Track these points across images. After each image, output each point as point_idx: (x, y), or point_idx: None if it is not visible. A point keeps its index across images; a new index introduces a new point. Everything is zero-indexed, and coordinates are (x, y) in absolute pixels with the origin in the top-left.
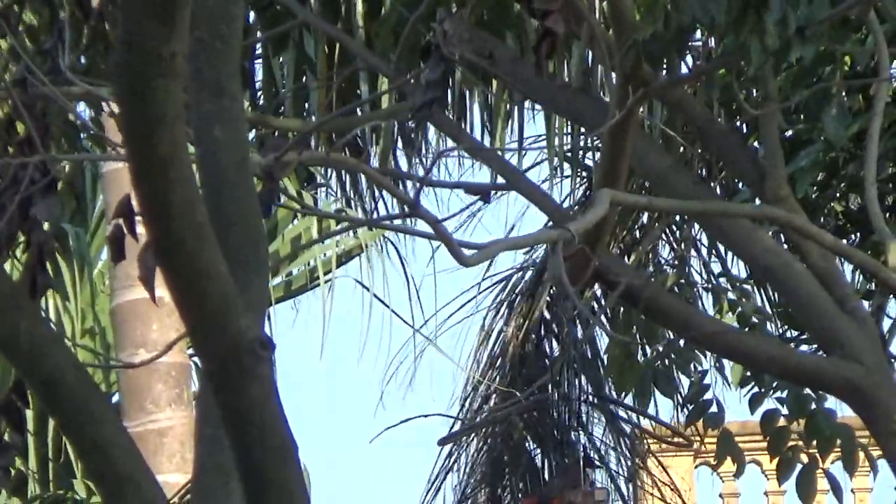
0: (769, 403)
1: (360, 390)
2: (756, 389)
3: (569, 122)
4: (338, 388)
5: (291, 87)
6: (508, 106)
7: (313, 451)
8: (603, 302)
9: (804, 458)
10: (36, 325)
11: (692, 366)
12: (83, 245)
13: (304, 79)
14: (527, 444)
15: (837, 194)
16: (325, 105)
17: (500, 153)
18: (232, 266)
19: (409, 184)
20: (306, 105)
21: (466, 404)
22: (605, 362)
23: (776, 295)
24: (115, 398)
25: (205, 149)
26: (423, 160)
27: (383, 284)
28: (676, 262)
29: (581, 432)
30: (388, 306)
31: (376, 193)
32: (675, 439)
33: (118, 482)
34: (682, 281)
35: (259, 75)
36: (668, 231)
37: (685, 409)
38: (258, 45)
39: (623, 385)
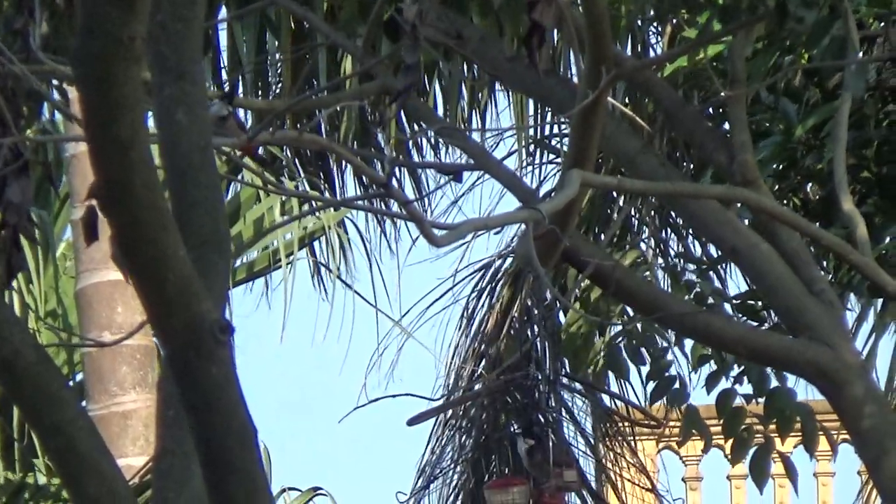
0: (726, 384)
1: (324, 373)
2: (713, 369)
3: (538, 104)
4: (300, 371)
5: (253, 61)
6: (475, 87)
7: (274, 434)
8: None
9: (761, 440)
10: None
11: (656, 342)
12: (47, 227)
13: (266, 56)
14: (506, 424)
15: (797, 184)
16: (288, 84)
17: (467, 134)
18: (194, 249)
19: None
20: (268, 84)
21: (447, 391)
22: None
23: (746, 279)
24: (78, 379)
25: (167, 133)
26: (391, 141)
27: (345, 266)
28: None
29: (549, 412)
30: (366, 299)
31: (345, 175)
32: (646, 421)
33: (78, 464)
34: (640, 260)
35: (223, 52)
36: (636, 212)
37: (646, 389)
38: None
39: (579, 364)
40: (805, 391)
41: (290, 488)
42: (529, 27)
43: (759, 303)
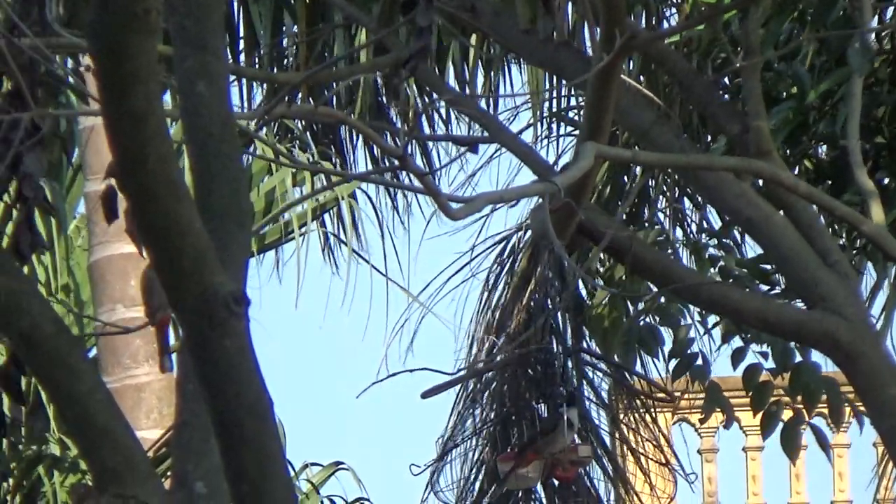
0: (752, 358)
1: (339, 347)
2: (738, 345)
3: (552, 78)
4: (314, 344)
5: (269, 40)
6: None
7: (289, 407)
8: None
9: (788, 414)
10: (13, 279)
11: (677, 319)
12: (59, 200)
13: (282, 28)
14: (525, 397)
15: (809, 148)
16: (304, 58)
17: (483, 108)
18: (214, 220)
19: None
20: (284, 57)
21: (465, 365)
22: (589, 320)
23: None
24: (91, 353)
25: (188, 104)
26: (407, 114)
27: (357, 239)
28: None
29: (568, 385)
30: (382, 272)
31: (356, 148)
32: (660, 395)
33: (95, 435)
34: (662, 237)
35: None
36: (653, 184)
37: (669, 364)
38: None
39: (608, 345)
40: (825, 364)
41: (312, 463)
42: None
43: (770, 266)
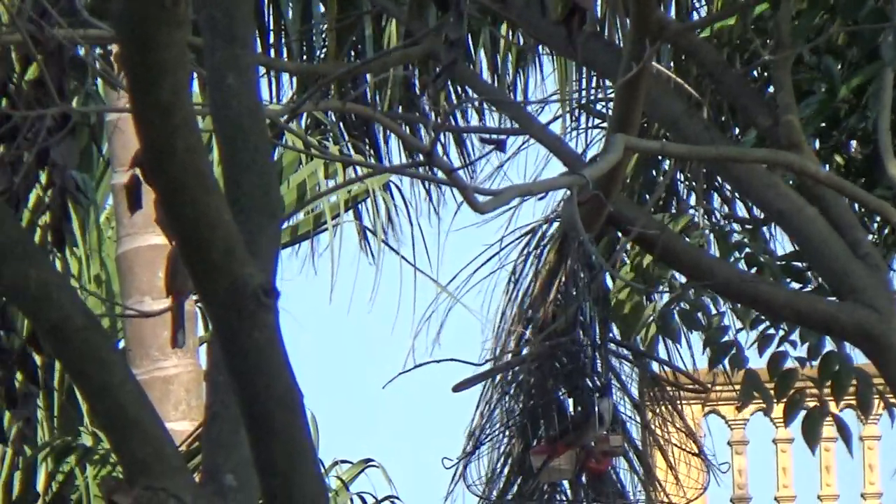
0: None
1: (368, 338)
2: (765, 334)
3: (581, 69)
4: (346, 336)
5: (298, 29)
6: (519, 51)
7: (320, 400)
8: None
9: (812, 403)
10: (44, 271)
11: (708, 308)
12: (90, 191)
13: (312, 23)
14: (553, 389)
15: (840, 144)
16: (333, 50)
17: (513, 99)
18: (243, 212)
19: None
20: (313, 49)
21: (493, 357)
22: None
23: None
24: (119, 345)
25: (218, 96)
26: (436, 109)
27: (390, 230)
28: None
29: (596, 377)
30: (412, 264)
31: (389, 138)
32: (692, 386)
33: (125, 427)
34: (690, 225)
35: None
36: (683, 176)
37: (705, 354)
38: None
39: (629, 331)
40: (855, 357)
41: (342, 461)
42: (569, 8)
43: (803, 264)
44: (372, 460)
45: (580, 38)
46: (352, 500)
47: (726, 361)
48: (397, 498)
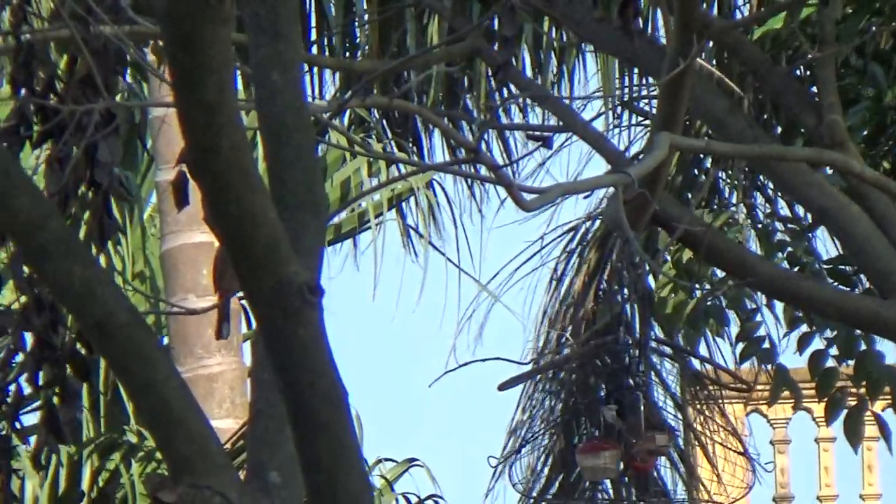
0: (818, 344)
1: (411, 336)
2: (804, 332)
3: (627, 64)
4: (387, 334)
5: (341, 23)
6: (562, 48)
7: (363, 398)
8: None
9: (853, 401)
10: (88, 268)
11: (745, 304)
12: (133, 187)
13: (354, 17)
14: (596, 388)
15: (887, 149)
16: (376, 45)
17: (556, 96)
18: (288, 210)
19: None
20: (355, 45)
21: (535, 355)
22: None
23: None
24: (163, 342)
25: (262, 93)
26: (481, 106)
27: (434, 228)
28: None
29: (639, 376)
30: (454, 262)
31: (432, 136)
32: (735, 384)
33: (170, 424)
34: (730, 221)
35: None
36: (723, 174)
37: (736, 349)
38: None
39: (671, 328)
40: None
41: (386, 459)
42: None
43: (850, 268)
44: (416, 460)
45: (635, 28)
46: (397, 500)
47: (757, 356)
48: (441, 497)
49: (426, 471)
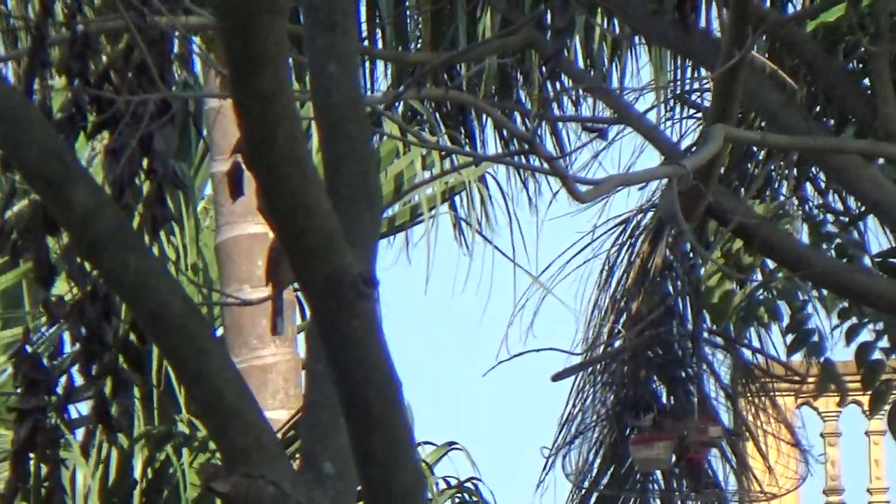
0: (866, 336)
1: (464, 328)
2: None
3: (679, 56)
4: (441, 325)
5: (392, 14)
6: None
7: (417, 388)
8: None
9: None
10: (143, 258)
11: (795, 296)
12: (187, 179)
13: (406, 9)
14: (649, 380)
15: None
16: (428, 38)
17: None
18: (343, 201)
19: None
20: (407, 37)
21: (587, 346)
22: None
23: (886, 234)
24: (218, 333)
25: (318, 85)
26: (534, 97)
27: (486, 221)
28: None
29: (691, 368)
30: (506, 255)
31: (485, 129)
32: (787, 375)
33: (224, 414)
34: (781, 212)
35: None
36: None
37: (785, 341)
38: None
39: (719, 319)
40: None
41: (426, 442)
42: None
43: None
44: (455, 443)
45: (692, 20)
46: (437, 483)
47: (806, 349)
48: (480, 480)
49: (466, 454)
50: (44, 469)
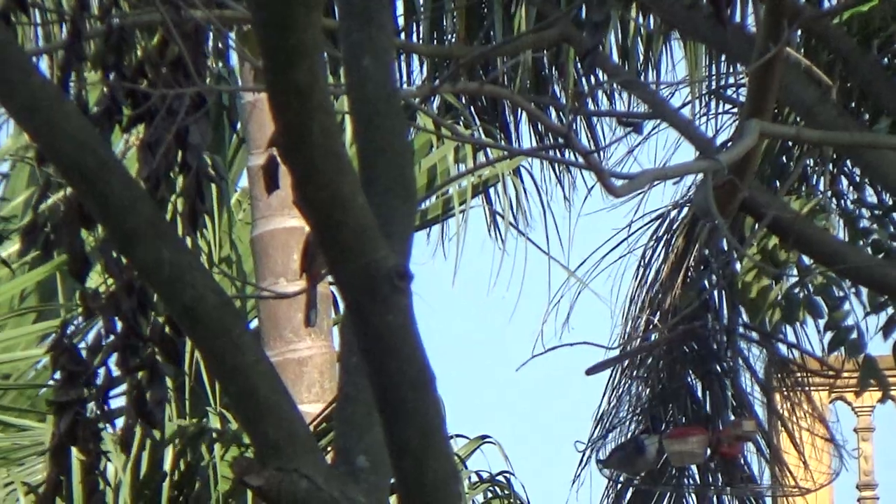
0: None
1: (498, 322)
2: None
3: (715, 51)
4: (474, 319)
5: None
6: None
7: (451, 382)
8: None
9: None
10: (178, 252)
11: (832, 292)
12: (221, 171)
13: (442, 2)
14: (684, 374)
15: None
16: (463, 32)
17: (646, 82)
18: (378, 195)
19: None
20: (443, 31)
21: (623, 341)
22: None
23: None
24: (252, 325)
25: (354, 79)
26: (572, 91)
27: (521, 215)
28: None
29: (726, 362)
30: (541, 248)
31: (519, 123)
32: (822, 371)
33: (258, 407)
34: (817, 208)
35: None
36: (810, 161)
37: (823, 339)
38: None
39: (755, 314)
40: None
41: (458, 435)
42: None
43: None
44: (488, 436)
45: (728, 15)
46: (469, 477)
47: (845, 347)
48: (512, 474)
49: (498, 448)
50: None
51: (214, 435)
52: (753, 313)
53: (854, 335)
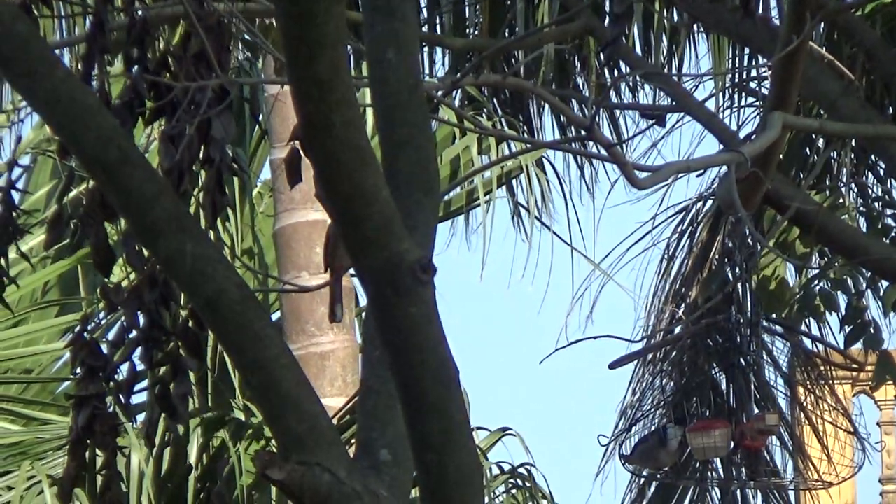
0: None
1: (521, 313)
2: None
3: (735, 45)
4: (497, 311)
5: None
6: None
7: (473, 375)
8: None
9: None
10: (200, 245)
11: (849, 286)
12: (243, 164)
13: None
14: (708, 367)
15: None
16: (487, 24)
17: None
18: (401, 188)
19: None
20: (466, 23)
21: (646, 334)
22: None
23: None
24: (275, 318)
25: (377, 71)
26: (595, 83)
27: (544, 206)
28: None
29: (750, 355)
30: (565, 241)
31: (543, 115)
32: (846, 364)
33: (280, 401)
34: (839, 202)
35: None
36: (836, 155)
37: (842, 332)
38: None
39: (775, 306)
40: None
41: (479, 428)
42: None
43: None
44: (509, 429)
45: (752, 8)
46: (490, 469)
47: (864, 341)
48: (533, 466)
49: (520, 440)
50: (99, 457)
51: (235, 425)
52: (772, 307)
53: (872, 330)
